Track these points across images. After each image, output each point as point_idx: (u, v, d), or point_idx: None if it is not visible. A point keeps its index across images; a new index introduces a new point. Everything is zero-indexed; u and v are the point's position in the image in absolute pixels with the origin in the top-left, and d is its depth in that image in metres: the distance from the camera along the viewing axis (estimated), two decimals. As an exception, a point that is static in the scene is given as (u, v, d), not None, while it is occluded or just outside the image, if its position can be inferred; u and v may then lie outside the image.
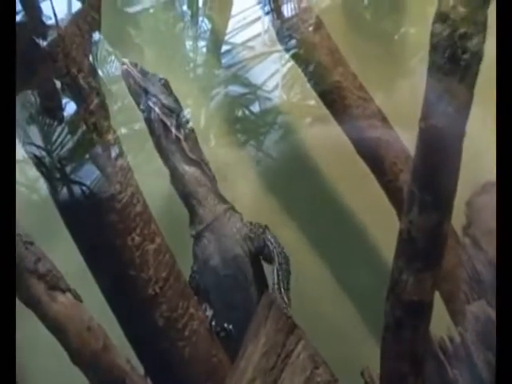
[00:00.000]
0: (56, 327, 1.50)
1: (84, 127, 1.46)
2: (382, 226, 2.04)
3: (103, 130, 1.48)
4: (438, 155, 1.39)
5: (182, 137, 1.79)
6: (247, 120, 2.41)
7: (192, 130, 1.83)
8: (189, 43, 2.44)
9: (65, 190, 1.47)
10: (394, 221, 1.81)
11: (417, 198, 1.42)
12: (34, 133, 1.51)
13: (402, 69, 2.26)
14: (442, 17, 1.33)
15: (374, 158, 1.89)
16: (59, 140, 1.50)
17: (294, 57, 2.05)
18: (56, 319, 1.49)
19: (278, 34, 2.06)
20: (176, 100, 1.83)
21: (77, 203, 1.48)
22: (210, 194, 1.81)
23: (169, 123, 1.78)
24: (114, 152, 1.49)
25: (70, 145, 1.50)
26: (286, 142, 2.37)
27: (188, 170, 1.79)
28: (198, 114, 2.37)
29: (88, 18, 1.51)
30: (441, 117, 1.37)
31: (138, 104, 1.80)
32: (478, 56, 1.33)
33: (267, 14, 2.19)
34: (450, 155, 1.40)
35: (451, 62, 1.33)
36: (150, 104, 1.78)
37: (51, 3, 1.51)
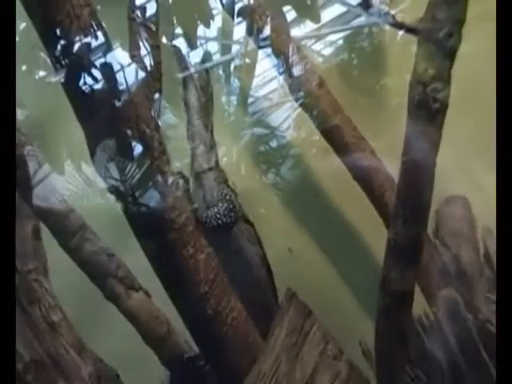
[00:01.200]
0: (132, 317, 1.50)
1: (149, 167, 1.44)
2: (372, 231, 2.00)
3: (165, 170, 1.47)
4: (417, 181, 1.36)
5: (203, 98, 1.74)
6: (267, 153, 2.38)
7: (211, 97, 1.77)
8: (223, 97, 2.43)
9: (136, 213, 1.45)
10: (381, 228, 1.78)
11: (400, 214, 1.39)
12: (112, 169, 1.50)
13: (384, 112, 2.22)
14: (417, 77, 1.31)
15: (365, 180, 1.86)
16: (130, 174, 1.49)
17: (302, 105, 2.02)
18: (132, 311, 1.49)
19: (290, 88, 2.04)
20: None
21: (145, 224, 1.46)
22: (205, 147, 1.73)
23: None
24: (173, 185, 1.47)
25: (138, 177, 1.48)
26: (298, 169, 2.35)
27: (197, 123, 1.73)
28: (231, 150, 2.35)
29: (153, 89, 1.52)
30: (418, 152, 1.34)
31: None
32: (444, 105, 1.31)
33: (281, 73, 2.17)
34: (426, 181, 1.36)
35: (425, 109, 1.31)
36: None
37: (123, 74, 1.50)
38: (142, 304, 1.52)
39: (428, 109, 1.31)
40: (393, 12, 2.03)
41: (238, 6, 2.17)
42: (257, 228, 1.82)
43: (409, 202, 1.37)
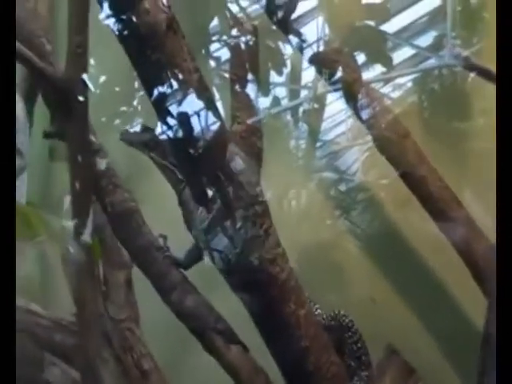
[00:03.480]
0: (231, 369, 1.53)
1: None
2: (458, 282, 1.99)
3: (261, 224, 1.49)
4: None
5: None
6: (337, 198, 2.40)
7: None
8: (292, 142, 2.47)
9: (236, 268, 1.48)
10: (468, 279, 1.78)
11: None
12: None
13: (459, 157, 2.22)
14: None
15: (451, 231, 1.85)
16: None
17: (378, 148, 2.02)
18: (231, 364, 1.52)
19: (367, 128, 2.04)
20: None
21: (244, 279, 1.49)
22: None
23: None
24: (273, 241, 1.49)
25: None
26: (371, 214, 2.36)
27: None
28: (301, 194, 2.38)
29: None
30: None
31: None
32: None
33: (349, 117, 2.21)
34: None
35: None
36: None
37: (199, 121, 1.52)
38: (241, 357, 1.55)
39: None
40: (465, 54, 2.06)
41: (307, 52, 2.22)
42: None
43: None
